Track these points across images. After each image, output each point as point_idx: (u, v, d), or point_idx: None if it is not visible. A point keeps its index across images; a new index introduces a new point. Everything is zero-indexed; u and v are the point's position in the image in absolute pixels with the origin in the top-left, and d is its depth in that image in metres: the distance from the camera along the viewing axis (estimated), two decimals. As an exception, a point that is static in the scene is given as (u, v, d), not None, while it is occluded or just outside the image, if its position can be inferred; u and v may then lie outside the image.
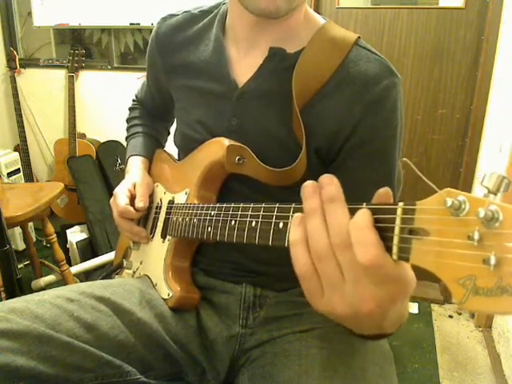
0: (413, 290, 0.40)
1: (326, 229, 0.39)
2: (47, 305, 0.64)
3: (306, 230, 0.40)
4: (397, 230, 0.36)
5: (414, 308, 1.99)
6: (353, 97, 0.67)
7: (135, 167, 0.89)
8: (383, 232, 0.37)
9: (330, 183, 0.39)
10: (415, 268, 0.36)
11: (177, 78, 0.81)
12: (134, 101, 1.04)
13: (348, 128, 0.67)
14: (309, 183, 0.41)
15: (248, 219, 0.56)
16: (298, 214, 0.42)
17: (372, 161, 0.69)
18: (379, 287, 0.37)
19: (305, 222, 0.40)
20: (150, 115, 1.01)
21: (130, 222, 0.83)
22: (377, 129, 0.67)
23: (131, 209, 0.80)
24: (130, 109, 1.04)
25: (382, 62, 0.69)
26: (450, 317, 1.96)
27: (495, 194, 0.30)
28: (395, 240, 0.36)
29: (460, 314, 1.98)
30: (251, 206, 0.57)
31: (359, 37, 0.70)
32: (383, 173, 0.70)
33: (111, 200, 0.84)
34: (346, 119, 0.67)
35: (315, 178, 0.70)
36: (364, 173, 0.69)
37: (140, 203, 0.81)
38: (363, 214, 0.37)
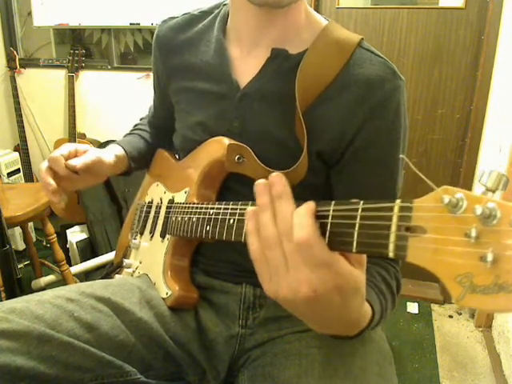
0: (355, 287, 0.43)
1: (274, 221, 0.44)
2: (47, 305, 0.64)
3: (258, 222, 0.45)
4: (393, 228, 0.36)
5: (414, 308, 1.99)
6: (356, 100, 0.66)
7: (108, 149, 0.85)
8: (379, 230, 0.37)
9: (278, 182, 0.44)
10: (413, 266, 0.36)
11: (177, 80, 0.80)
12: (141, 119, 1.02)
13: (351, 131, 0.67)
14: (261, 181, 0.45)
15: (245, 218, 0.56)
16: (250, 208, 0.47)
17: (376, 164, 0.68)
18: (312, 270, 0.41)
19: (257, 214, 0.45)
20: (156, 134, 0.97)
21: (49, 173, 0.77)
22: (380, 132, 0.67)
23: (62, 161, 0.75)
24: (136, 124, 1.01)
25: (385, 64, 0.68)
26: (450, 317, 1.96)
27: (494, 192, 0.30)
28: (392, 238, 0.36)
29: (460, 314, 1.97)
30: (249, 204, 0.57)
31: (362, 38, 0.70)
32: (387, 176, 0.69)
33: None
34: (350, 122, 0.66)
35: (316, 180, 0.71)
36: (368, 176, 0.68)
37: (73, 161, 0.75)
38: (306, 204, 0.42)
